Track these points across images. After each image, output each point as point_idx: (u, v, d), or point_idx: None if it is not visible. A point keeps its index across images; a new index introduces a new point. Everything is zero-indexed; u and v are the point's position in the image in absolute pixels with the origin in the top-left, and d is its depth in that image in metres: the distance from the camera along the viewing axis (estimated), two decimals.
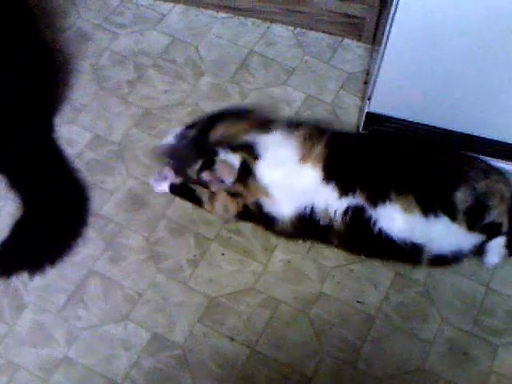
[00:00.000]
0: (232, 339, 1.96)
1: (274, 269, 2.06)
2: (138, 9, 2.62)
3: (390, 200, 1.93)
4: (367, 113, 2.25)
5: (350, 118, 2.38)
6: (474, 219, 1.96)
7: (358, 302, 2.03)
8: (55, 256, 2.07)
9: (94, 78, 2.43)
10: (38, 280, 2.03)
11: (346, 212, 1.94)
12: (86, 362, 1.91)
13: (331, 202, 1.95)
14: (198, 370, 1.91)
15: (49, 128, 2.27)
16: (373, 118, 2.25)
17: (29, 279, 2.02)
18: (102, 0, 2.63)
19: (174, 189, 2.14)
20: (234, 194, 2.01)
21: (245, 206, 2.02)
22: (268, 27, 2.59)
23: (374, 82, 2.15)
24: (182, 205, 2.16)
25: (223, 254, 2.09)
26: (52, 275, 2.03)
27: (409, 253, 1.98)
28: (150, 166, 2.23)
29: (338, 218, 1.95)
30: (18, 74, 2.13)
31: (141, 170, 2.22)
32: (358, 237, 2.00)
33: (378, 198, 1.94)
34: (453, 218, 1.95)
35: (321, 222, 1.97)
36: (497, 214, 1.97)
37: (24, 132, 2.16)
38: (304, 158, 1.96)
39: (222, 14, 2.61)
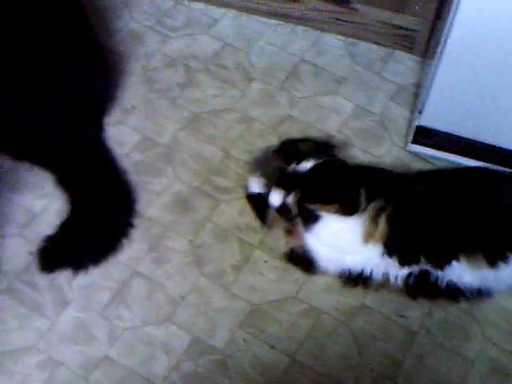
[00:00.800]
0: (272, 347, 1.95)
1: (317, 279, 2.05)
2: (191, 12, 2.63)
3: (458, 261, 1.90)
4: (417, 126, 2.24)
5: (398, 129, 2.36)
6: None
7: (401, 316, 2.01)
8: (100, 255, 2.08)
9: (144, 79, 2.44)
10: (82, 278, 2.04)
11: (408, 276, 1.94)
12: (126, 363, 1.92)
13: (392, 270, 1.95)
14: (237, 376, 1.91)
15: (99, 127, 2.28)
16: (423, 132, 2.24)
17: (73, 276, 2.03)
18: (154, 2, 2.65)
19: (250, 197, 2.13)
20: (289, 231, 2.03)
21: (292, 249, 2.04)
22: (319, 36, 2.59)
23: (426, 95, 2.13)
24: (228, 210, 2.16)
25: (266, 262, 2.08)
26: (96, 274, 2.04)
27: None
28: (197, 169, 2.23)
29: (399, 281, 1.95)
30: (70, 72, 2.15)
31: (188, 173, 2.23)
32: (420, 291, 1.99)
33: (444, 262, 1.90)
34: None
35: (374, 281, 1.98)
36: None
37: (74, 130, 2.18)
38: (367, 239, 1.92)
39: (273, 21, 2.62)
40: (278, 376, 1.92)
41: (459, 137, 2.19)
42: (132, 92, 2.41)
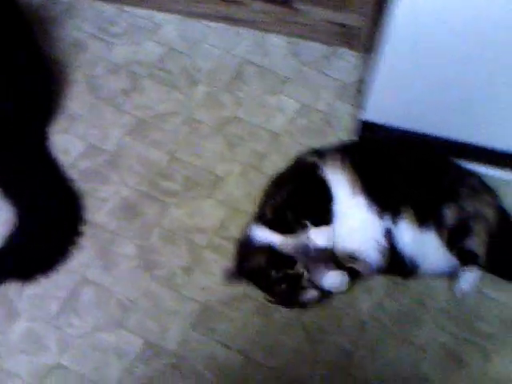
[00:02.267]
0: (226, 346, 1.95)
1: None
2: (134, 19, 2.63)
3: (400, 214, 1.98)
4: (361, 121, 2.25)
5: (344, 126, 2.38)
6: (454, 240, 1.98)
7: (352, 307, 2.02)
8: (49, 265, 2.06)
9: (88, 87, 2.44)
10: (32, 288, 2.02)
11: (385, 236, 2.00)
12: (78, 370, 1.91)
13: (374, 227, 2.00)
14: (191, 378, 1.90)
15: (43, 137, 2.27)
16: (367, 127, 2.26)
17: (22, 287, 2.02)
18: (97, 10, 2.65)
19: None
20: None
21: None
22: (263, 37, 2.61)
23: (369, 90, 2.15)
24: (176, 213, 2.16)
25: (216, 262, 2.08)
26: (45, 283, 2.03)
27: (407, 268, 2.01)
28: (143, 174, 2.23)
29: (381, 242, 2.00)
30: (12, 82, 2.14)
31: (134, 179, 2.22)
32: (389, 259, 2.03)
33: (395, 210, 1.99)
34: (438, 233, 1.97)
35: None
36: (476, 242, 1.99)
37: (18, 141, 2.17)
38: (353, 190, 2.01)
39: (217, 24, 2.63)
40: (233, 375, 1.92)
41: (403, 130, 2.22)
42: (76, 100, 2.40)
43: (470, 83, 2.03)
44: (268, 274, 1.94)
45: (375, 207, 1.98)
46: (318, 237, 1.92)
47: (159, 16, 2.65)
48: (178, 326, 1.98)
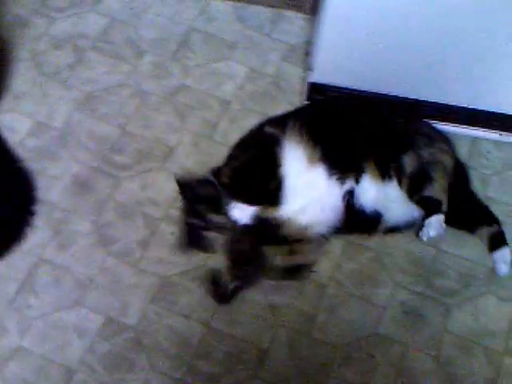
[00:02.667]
0: (186, 317, 1.95)
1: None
2: None
3: (363, 171, 1.99)
4: (310, 83, 2.25)
5: (293, 89, 2.37)
6: (415, 187, 1.99)
7: (311, 271, 2.03)
8: (3, 247, 2.04)
9: (33, 64, 2.39)
10: None
11: (344, 197, 2.01)
12: (40, 351, 1.89)
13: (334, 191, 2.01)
14: (153, 351, 1.90)
15: None
16: (316, 88, 2.26)
17: None
18: None
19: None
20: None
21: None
22: (207, 3, 2.58)
23: (315, 51, 2.14)
24: (129, 187, 2.14)
25: (173, 234, 2.07)
26: (1, 265, 2.01)
27: (371, 223, 2.03)
28: (94, 149, 2.20)
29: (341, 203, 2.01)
30: None
31: (85, 154, 2.20)
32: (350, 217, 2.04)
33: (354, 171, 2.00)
34: (399, 181, 1.98)
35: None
36: (437, 188, 2.00)
37: None
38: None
39: None
40: (195, 345, 1.92)
41: (350, 89, 2.22)
42: (21, 77, 2.36)
43: (412, 39, 2.04)
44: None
45: (335, 173, 1.98)
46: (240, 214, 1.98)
47: None
48: (137, 301, 1.97)
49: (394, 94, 2.23)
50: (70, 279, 1.99)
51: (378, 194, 2.00)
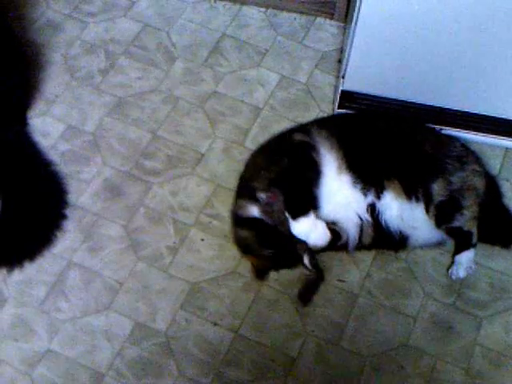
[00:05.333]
0: (215, 324, 1.95)
1: None
2: None
3: (384, 188, 1.97)
4: (342, 91, 2.24)
5: (325, 96, 2.36)
6: (443, 217, 1.97)
7: (340, 280, 2.02)
8: (34, 250, 2.05)
9: (65, 68, 2.40)
10: (18, 274, 2.01)
11: (367, 210, 2.00)
12: (69, 354, 1.90)
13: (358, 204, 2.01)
14: (182, 357, 1.90)
15: (22, 122, 2.24)
16: (347, 96, 2.25)
17: (8, 274, 2.00)
18: None
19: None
20: None
21: None
22: (239, 9, 2.57)
23: (347, 59, 2.14)
24: (160, 192, 2.15)
25: (203, 240, 2.07)
26: (32, 268, 2.02)
27: (397, 242, 2.02)
28: (125, 154, 2.21)
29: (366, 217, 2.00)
30: None
31: (116, 159, 2.20)
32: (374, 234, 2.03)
33: (375, 185, 1.98)
34: (427, 208, 1.96)
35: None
36: (468, 217, 1.97)
37: None
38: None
39: None
40: (224, 352, 1.92)
41: (381, 97, 2.22)
42: (54, 82, 2.37)
43: (444, 49, 2.03)
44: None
45: (359, 184, 1.97)
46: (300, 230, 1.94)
47: None
48: (166, 306, 1.97)
49: (425, 103, 2.22)
50: (100, 283, 2.00)
51: (402, 213, 1.98)
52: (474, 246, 1.99)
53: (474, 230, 1.98)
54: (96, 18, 2.53)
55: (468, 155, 2.08)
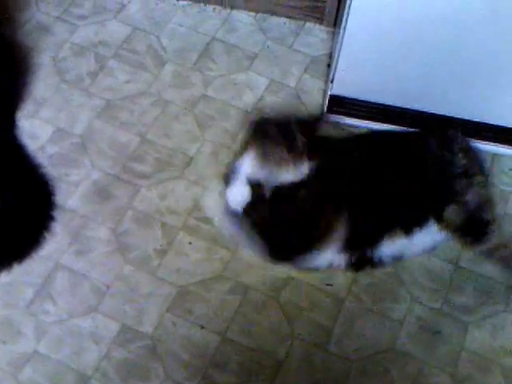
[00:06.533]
0: (202, 327, 1.95)
1: (242, 256, 2.05)
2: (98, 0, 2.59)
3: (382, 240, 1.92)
4: (331, 95, 2.25)
5: (314, 101, 2.37)
6: (477, 234, 1.94)
7: (327, 284, 2.02)
8: (22, 252, 2.04)
9: (54, 70, 2.40)
10: (5, 276, 2.00)
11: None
12: (55, 356, 1.90)
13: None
14: (168, 360, 1.90)
15: (10, 123, 2.23)
16: (336, 101, 2.26)
17: None
18: None
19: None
20: None
21: None
22: (229, 13, 2.58)
23: (336, 64, 2.15)
24: (148, 195, 2.15)
25: (190, 243, 2.07)
26: (18, 270, 2.01)
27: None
28: (114, 157, 2.21)
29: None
30: None
31: (105, 162, 2.20)
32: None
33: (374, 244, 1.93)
34: (446, 232, 1.93)
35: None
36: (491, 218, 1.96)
37: None
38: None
39: (182, 2, 2.59)
40: (210, 355, 1.92)
41: (370, 102, 2.23)
42: (43, 84, 2.37)
43: (428, 55, 2.05)
44: None
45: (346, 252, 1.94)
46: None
47: None
48: (154, 309, 1.97)
49: (412, 108, 2.23)
50: (87, 286, 2.00)
51: (402, 248, 1.97)
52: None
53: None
54: (86, 21, 2.53)
55: (472, 162, 1.98)
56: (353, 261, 1.96)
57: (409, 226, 1.92)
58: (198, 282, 2.01)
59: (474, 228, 1.94)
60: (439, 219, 1.91)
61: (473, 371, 1.93)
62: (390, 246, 1.94)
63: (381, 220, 1.91)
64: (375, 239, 1.93)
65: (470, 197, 1.92)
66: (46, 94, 2.34)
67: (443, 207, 1.91)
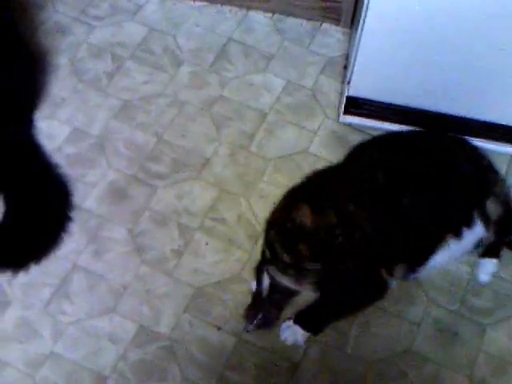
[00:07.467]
0: (219, 328, 1.95)
1: (258, 256, 2.04)
2: (115, 0, 2.59)
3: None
4: (347, 97, 2.25)
5: (330, 102, 2.36)
6: (506, 226, 1.93)
7: None
8: (39, 252, 2.05)
9: (72, 71, 2.41)
10: (23, 276, 2.01)
11: None
12: (72, 357, 1.90)
13: None
14: (185, 361, 1.90)
15: (28, 124, 2.24)
16: (353, 102, 2.25)
17: (13, 276, 2.00)
18: None
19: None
20: None
21: None
22: (245, 14, 2.58)
23: (353, 65, 2.14)
24: (165, 195, 2.15)
25: (207, 244, 2.08)
26: (36, 271, 2.02)
27: None
28: (131, 157, 2.21)
29: None
30: None
31: (122, 162, 2.21)
32: None
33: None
34: (487, 227, 1.88)
35: None
36: None
37: (2, 130, 2.14)
38: None
39: (198, 3, 2.60)
40: (226, 356, 1.92)
41: (387, 103, 2.22)
42: (60, 84, 2.38)
43: (447, 56, 2.04)
44: None
45: None
46: None
47: None
48: (170, 310, 1.97)
49: (430, 110, 2.22)
50: (104, 286, 2.00)
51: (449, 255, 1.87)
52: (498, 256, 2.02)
53: None
54: (103, 22, 2.54)
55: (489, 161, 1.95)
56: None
57: (458, 228, 1.83)
58: (215, 283, 2.02)
59: (509, 220, 1.93)
60: (483, 214, 1.86)
61: (490, 373, 1.92)
62: (444, 254, 1.84)
63: (433, 231, 1.81)
64: (430, 251, 1.83)
65: (499, 189, 1.90)
66: (63, 94, 2.35)
67: (484, 200, 1.86)
